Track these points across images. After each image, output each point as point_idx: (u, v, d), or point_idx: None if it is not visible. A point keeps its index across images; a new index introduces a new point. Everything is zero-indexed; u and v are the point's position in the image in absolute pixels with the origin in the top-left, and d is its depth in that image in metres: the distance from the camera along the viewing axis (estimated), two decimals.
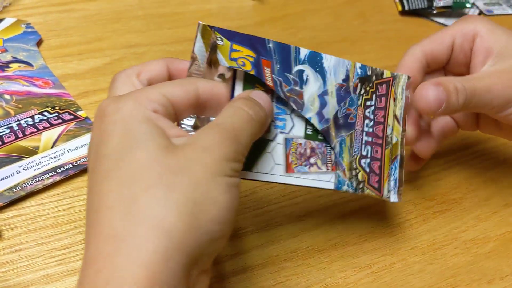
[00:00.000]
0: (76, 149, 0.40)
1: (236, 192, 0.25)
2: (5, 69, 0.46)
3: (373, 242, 0.38)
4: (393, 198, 0.34)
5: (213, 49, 0.29)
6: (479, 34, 0.37)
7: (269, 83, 0.30)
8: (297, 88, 0.31)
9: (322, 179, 0.32)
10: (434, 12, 0.66)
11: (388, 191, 0.34)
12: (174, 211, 0.22)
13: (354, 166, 0.33)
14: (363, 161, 0.33)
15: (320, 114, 0.32)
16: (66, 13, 0.56)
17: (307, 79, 0.32)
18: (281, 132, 0.31)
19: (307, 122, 0.31)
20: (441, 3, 0.64)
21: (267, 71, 0.30)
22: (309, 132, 0.32)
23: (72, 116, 0.42)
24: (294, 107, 0.31)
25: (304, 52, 0.32)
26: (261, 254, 0.36)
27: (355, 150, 0.33)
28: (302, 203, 0.40)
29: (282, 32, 0.59)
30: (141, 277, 0.21)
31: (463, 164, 0.46)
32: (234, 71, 0.29)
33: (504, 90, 0.34)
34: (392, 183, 0.34)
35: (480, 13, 0.68)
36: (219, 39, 0.29)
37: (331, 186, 0.32)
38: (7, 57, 0.47)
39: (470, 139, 0.49)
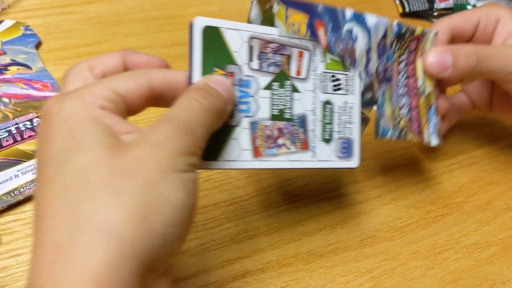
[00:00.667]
0: None
1: (193, 188, 0.24)
2: (4, 72, 0.46)
3: (374, 246, 0.38)
4: (434, 141, 0.37)
5: (267, 14, 0.30)
6: (502, 19, 0.40)
7: (323, 42, 0.31)
8: (349, 46, 0.32)
9: (292, 159, 0.31)
10: (435, 14, 0.65)
11: (429, 136, 0.37)
12: (122, 215, 0.21)
13: (395, 115, 0.35)
14: (402, 110, 0.36)
15: (366, 69, 0.33)
16: (65, 16, 0.56)
17: (356, 37, 0.33)
18: (245, 116, 0.30)
19: (272, 102, 0.31)
20: (442, 5, 0.64)
21: (320, 31, 0.31)
22: (275, 112, 0.31)
23: None
24: (348, 63, 0.33)
25: (349, 13, 0.33)
26: (261, 259, 0.36)
27: (394, 101, 0.35)
28: (302, 207, 0.40)
29: None
30: (87, 287, 0.20)
31: (464, 168, 0.46)
32: (190, 54, 0.28)
33: None
34: (431, 128, 0.37)
35: None
36: (275, 3, 0.30)
37: (302, 165, 0.32)
38: (6, 59, 0.47)
39: (471, 142, 0.49)
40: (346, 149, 0.33)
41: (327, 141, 0.33)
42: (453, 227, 0.41)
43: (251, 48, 0.30)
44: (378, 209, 0.41)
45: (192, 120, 0.24)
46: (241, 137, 0.30)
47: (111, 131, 0.23)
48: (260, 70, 0.30)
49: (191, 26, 0.28)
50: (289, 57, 0.31)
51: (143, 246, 0.21)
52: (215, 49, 0.29)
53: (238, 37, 0.29)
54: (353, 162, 0.34)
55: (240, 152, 0.29)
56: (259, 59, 0.30)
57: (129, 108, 0.26)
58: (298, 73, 0.32)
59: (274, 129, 0.31)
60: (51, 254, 0.21)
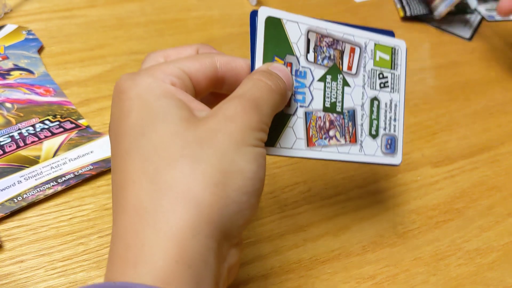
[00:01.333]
0: (77, 159, 0.39)
1: (262, 161, 0.25)
2: (6, 76, 0.46)
3: (376, 252, 0.38)
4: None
5: None
6: None
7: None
8: None
9: (341, 151, 0.32)
10: (436, 18, 0.65)
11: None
12: (200, 182, 0.22)
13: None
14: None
15: None
16: (67, 20, 0.56)
17: None
18: (300, 106, 0.30)
19: (325, 95, 0.32)
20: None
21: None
22: (328, 105, 0.32)
23: (73, 125, 0.42)
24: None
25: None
26: (264, 265, 0.36)
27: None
28: (305, 213, 0.40)
29: None
30: (171, 251, 0.21)
31: (465, 173, 0.46)
32: (252, 42, 0.29)
33: None
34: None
35: (482, 19, 0.68)
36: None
37: (350, 158, 0.32)
38: (9, 64, 0.47)
39: (473, 148, 0.49)
40: (390, 146, 0.34)
41: (373, 136, 0.34)
42: (455, 233, 0.41)
43: (308, 41, 0.31)
44: (380, 214, 0.41)
45: (259, 98, 0.26)
46: (297, 126, 0.30)
47: (184, 105, 0.25)
48: (315, 62, 0.31)
49: (254, 16, 0.29)
50: (341, 52, 0.32)
51: (220, 212, 0.22)
52: (276, 39, 0.30)
53: (297, 29, 0.30)
54: (397, 159, 0.35)
55: (295, 140, 0.30)
56: (314, 51, 0.31)
57: (195, 88, 0.27)
58: (349, 68, 0.33)
59: (326, 121, 0.31)
60: (134, 220, 0.22)
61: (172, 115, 0.24)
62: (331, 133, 0.32)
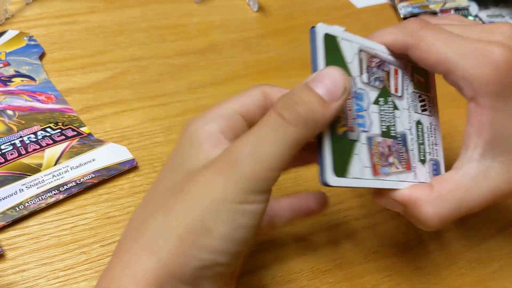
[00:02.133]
0: (79, 167, 0.39)
1: (246, 221, 0.24)
2: (8, 83, 0.46)
3: (378, 262, 0.38)
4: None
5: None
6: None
7: None
8: None
9: (401, 179, 0.30)
10: None
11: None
12: (166, 237, 0.23)
13: None
14: None
15: None
16: (68, 26, 0.56)
17: None
18: (363, 131, 0.28)
19: (381, 118, 0.30)
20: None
21: None
22: (384, 129, 0.30)
23: (75, 133, 0.42)
24: None
25: None
26: (266, 275, 0.36)
27: None
28: (306, 222, 0.40)
29: (286, 45, 0.59)
30: None
31: None
32: (313, 61, 0.27)
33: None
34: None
35: None
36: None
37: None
38: (10, 71, 0.47)
39: None
40: (436, 171, 0.33)
41: (422, 162, 0.32)
42: (456, 242, 0.41)
43: (360, 61, 0.29)
44: (382, 223, 0.41)
45: (262, 152, 0.23)
46: (362, 153, 0.28)
47: (206, 152, 0.26)
48: (369, 84, 0.29)
49: (313, 33, 0.27)
50: (388, 73, 0.31)
51: (180, 266, 0.23)
52: (334, 58, 0.28)
53: (350, 48, 0.29)
54: None
55: (363, 169, 0.28)
56: (367, 72, 0.30)
57: (250, 121, 0.28)
58: (396, 90, 0.31)
59: (385, 146, 0.30)
60: (116, 256, 0.25)
61: (183, 166, 0.26)
62: (391, 159, 0.30)
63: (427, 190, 0.29)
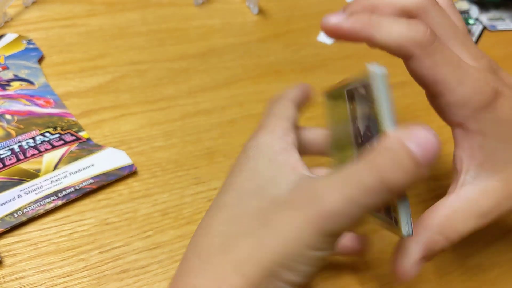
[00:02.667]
0: (78, 172, 0.39)
1: (322, 262, 0.25)
2: (7, 87, 0.45)
3: (379, 269, 0.38)
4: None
5: None
6: None
7: None
8: None
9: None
10: None
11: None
12: (257, 263, 0.24)
13: None
14: None
15: None
16: (68, 29, 0.56)
17: None
18: None
19: None
20: None
21: None
22: None
23: (74, 137, 0.42)
24: None
25: None
26: None
27: None
28: None
29: (285, 49, 0.59)
30: None
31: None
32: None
33: None
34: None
35: (484, 28, 0.68)
36: None
37: None
38: (9, 75, 0.47)
39: None
40: None
41: None
42: (458, 249, 0.41)
43: None
44: (383, 230, 0.40)
45: (347, 211, 0.23)
46: None
47: (288, 176, 0.26)
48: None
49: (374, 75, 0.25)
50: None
51: None
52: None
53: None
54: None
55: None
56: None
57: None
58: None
59: None
60: (194, 261, 0.26)
61: (270, 188, 0.26)
62: None
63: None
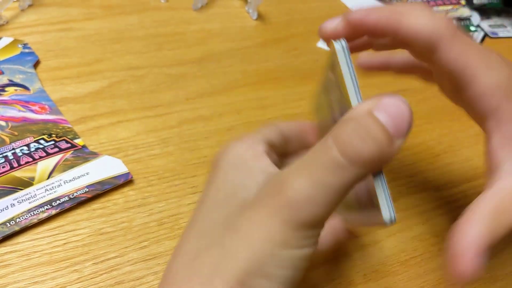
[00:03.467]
0: (72, 180, 0.38)
1: (304, 263, 0.23)
2: (1, 93, 0.45)
3: (378, 281, 0.37)
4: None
5: None
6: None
7: None
8: None
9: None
10: None
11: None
12: (224, 276, 0.22)
13: None
14: None
15: None
16: (64, 33, 0.55)
17: None
18: None
19: None
20: None
21: None
22: None
23: (69, 145, 0.41)
24: None
25: None
26: None
27: None
28: None
29: (285, 54, 0.58)
30: None
31: (468, 197, 0.45)
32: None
33: None
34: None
35: (485, 35, 0.68)
36: None
37: None
38: (3, 80, 0.46)
39: (475, 171, 0.48)
40: None
41: None
42: None
43: None
44: (382, 241, 0.40)
45: (318, 199, 0.21)
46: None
47: (257, 180, 0.25)
48: None
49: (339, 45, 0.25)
50: None
51: None
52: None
53: None
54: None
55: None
56: None
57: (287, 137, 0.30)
58: None
59: None
60: (167, 281, 0.24)
61: (239, 193, 0.24)
62: None
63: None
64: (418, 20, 0.27)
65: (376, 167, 0.22)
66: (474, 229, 0.24)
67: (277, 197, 0.22)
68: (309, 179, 0.21)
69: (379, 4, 0.70)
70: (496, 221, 0.25)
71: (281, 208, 0.21)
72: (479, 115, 0.29)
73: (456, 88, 0.29)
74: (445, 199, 0.45)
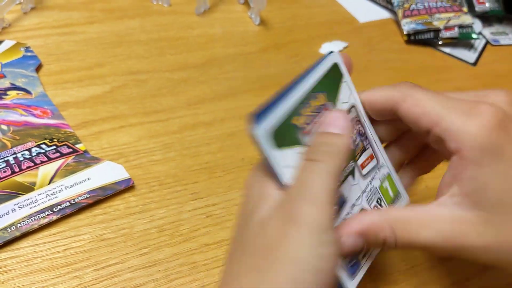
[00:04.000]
0: (74, 186, 0.38)
1: (327, 264, 0.25)
2: (3, 97, 0.45)
3: None
4: None
5: None
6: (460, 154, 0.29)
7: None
8: None
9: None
10: (440, 43, 0.65)
11: None
12: None
13: None
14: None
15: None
16: (66, 36, 0.55)
17: None
18: None
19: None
20: (447, 34, 0.64)
21: None
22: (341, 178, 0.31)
23: (70, 150, 0.41)
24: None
25: None
26: None
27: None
28: None
29: (287, 60, 0.58)
30: None
31: None
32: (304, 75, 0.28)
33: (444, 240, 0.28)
34: None
35: (487, 43, 0.68)
36: None
37: None
38: (5, 83, 0.46)
39: None
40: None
41: None
42: (459, 270, 0.40)
43: (348, 112, 0.31)
44: (381, 250, 0.40)
45: (316, 196, 0.25)
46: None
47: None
48: None
49: (326, 56, 0.30)
50: (364, 149, 0.32)
51: None
52: (329, 88, 0.29)
53: (347, 96, 0.31)
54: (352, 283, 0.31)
55: None
56: None
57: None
58: (362, 167, 0.32)
59: None
60: None
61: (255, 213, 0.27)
62: None
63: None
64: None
65: (342, 156, 0.27)
66: (374, 217, 0.28)
67: (288, 213, 0.25)
68: (301, 187, 0.26)
69: (378, 8, 0.71)
70: (391, 228, 0.28)
71: (290, 220, 0.25)
72: (447, 151, 0.29)
73: (423, 132, 0.30)
74: None
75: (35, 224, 0.36)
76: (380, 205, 0.33)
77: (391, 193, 0.34)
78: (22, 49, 0.50)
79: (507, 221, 0.27)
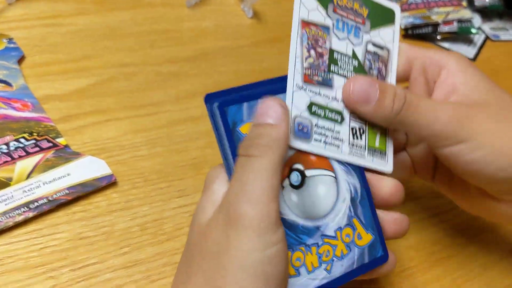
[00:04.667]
0: (52, 182, 0.37)
1: (272, 268, 0.24)
2: None
3: None
4: None
5: None
6: (447, 68, 0.33)
7: None
8: None
9: None
10: (438, 37, 0.63)
11: None
12: None
13: None
14: None
15: None
16: (52, 28, 0.53)
17: None
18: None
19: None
20: (446, 29, 0.62)
21: None
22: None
23: (51, 144, 0.39)
24: None
25: None
26: None
27: None
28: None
29: (280, 55, 0.56)
30: None
31: None
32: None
33: (448, 122, 0.29)
34: None
35: (486, 38, 0.66)
36: None
37: None
38: None
39: None
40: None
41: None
42: (457, 271, 0.38)
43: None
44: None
45: (254, 195, 0.24)
46: None
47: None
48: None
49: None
50: None
51: None
52: (377, 16, 0.33)
53: (389, 37, 0.34)
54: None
55: None
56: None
57: None
58: None
59: None
60: None
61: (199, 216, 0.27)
62: None
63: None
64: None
65: (280, 146, 0.25)
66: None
67: (227, 215, 0.25)
68: (237, 185, 0.25)
69: None
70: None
71: (230, 222, 0.24)
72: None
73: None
74: (444, 207, 0.43)
75: (10, 222, 0.34)
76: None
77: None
78: (4, 40, 0.49)
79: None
